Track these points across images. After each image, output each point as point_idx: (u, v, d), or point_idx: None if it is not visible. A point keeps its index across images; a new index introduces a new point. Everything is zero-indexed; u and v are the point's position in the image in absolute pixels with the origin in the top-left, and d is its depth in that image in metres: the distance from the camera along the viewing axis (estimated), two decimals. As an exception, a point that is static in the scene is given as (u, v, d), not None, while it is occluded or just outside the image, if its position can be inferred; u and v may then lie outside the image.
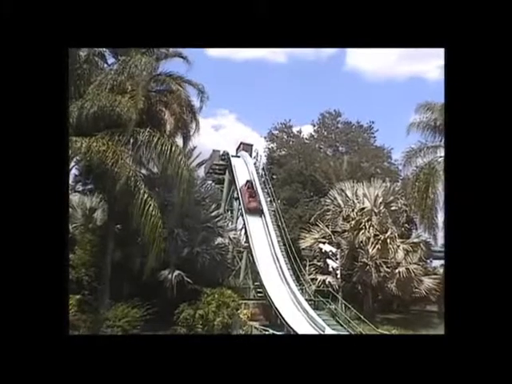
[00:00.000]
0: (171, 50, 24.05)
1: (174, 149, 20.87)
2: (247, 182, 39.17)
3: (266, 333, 22.71)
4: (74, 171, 25.45)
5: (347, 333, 26.37)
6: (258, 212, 37.31)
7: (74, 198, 30.04)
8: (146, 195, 19.92)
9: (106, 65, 23.64)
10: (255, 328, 25.62)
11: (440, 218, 32.33)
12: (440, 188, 31.76)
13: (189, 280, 26.10)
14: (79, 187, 28.94)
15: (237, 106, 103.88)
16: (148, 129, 20.98)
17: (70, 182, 27.12)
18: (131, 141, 21.11)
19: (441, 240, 34.54)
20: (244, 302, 30.22)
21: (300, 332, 24.71)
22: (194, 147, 29.94)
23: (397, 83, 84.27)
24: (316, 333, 25.21)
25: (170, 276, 25.95)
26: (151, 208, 19.75)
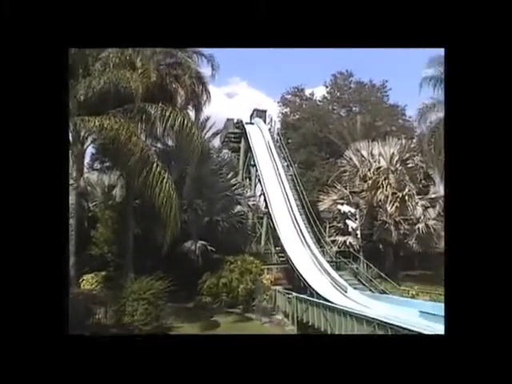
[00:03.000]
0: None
1: (185, 121, 20.87)
2: None
3: (290, 296, 22.99)
4: (90, 150, 25.65)
5: (369, 291, 26.69)
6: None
7: (93, 176, 30.37)
8: (159, 168, 20.06)
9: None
10: (279, 292, 25.93)
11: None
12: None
13: (212, 248, 26.46)
14: (97, 165, 29.18)
15: (248, 72, 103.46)
16: (160, 103, 21.04)
17: (88, 160, 27.41)
18: (144, 116, 21.17)
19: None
20: (267, 267, 30.56)
21: (323, 293, 24.98)
22: (208, 118, 29.93)
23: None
24: (339, 293, 25.50)
25: (193, 247, 26.29)
26: (165, 181, 19.89)
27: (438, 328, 14.28)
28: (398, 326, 13.21)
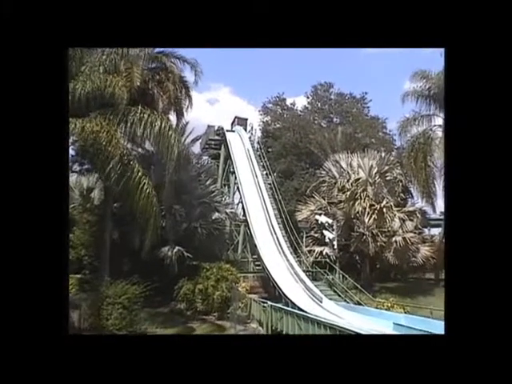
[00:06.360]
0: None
1: (165, 126, 20.82)
2: None
3: (265, 305, 22.96)
4: (70, 151, 25.47)
5: (344, 302, 26.77)
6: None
7: (72, 178, 30.10)
8: (140, 173, 20.02)
9: (97, 45, 23.45)
10: (254, 300, 25.91)
11: (437, 185, 32.90)
12: (436, 156, 32.12)
13: (189, 255, 26.43)
14: (76, 167, 28.93)
15: (231, 78, 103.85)
16: (140, 107, 20.98)
17: (66, 162, 27.14)
18: (124, 120, 21.09)
19: (439, 208, 35.12)
20: (243, 275, 30.58)
21: (298, 303, 25.04)
22: (187, 123, 29.86)
23: (391, 52, 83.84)
24: (314, 303, 25.57)
25: (170, 253, 26.29)
26: (146, 186, 19.86)
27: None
28: (371, 338, 13.27)
